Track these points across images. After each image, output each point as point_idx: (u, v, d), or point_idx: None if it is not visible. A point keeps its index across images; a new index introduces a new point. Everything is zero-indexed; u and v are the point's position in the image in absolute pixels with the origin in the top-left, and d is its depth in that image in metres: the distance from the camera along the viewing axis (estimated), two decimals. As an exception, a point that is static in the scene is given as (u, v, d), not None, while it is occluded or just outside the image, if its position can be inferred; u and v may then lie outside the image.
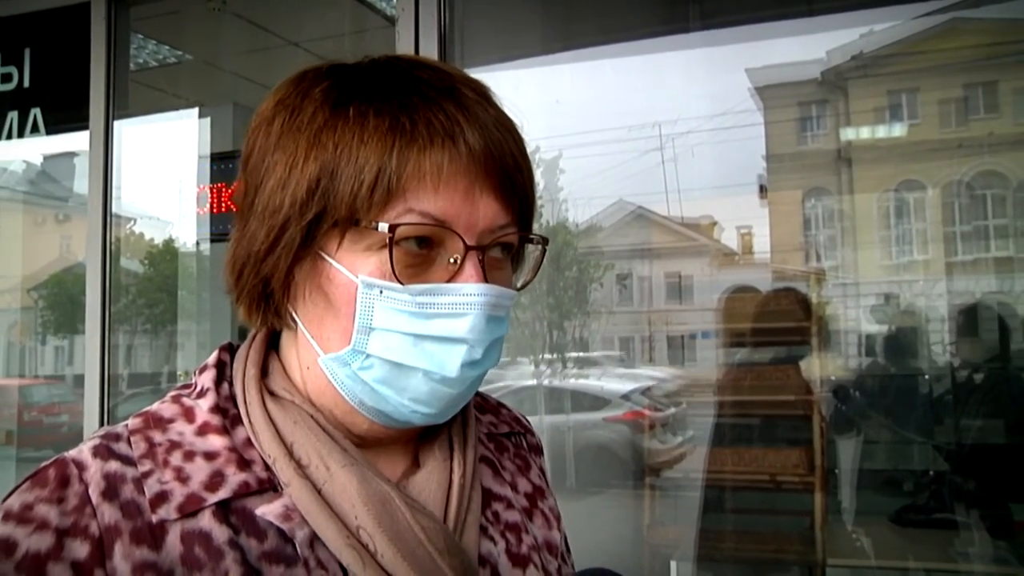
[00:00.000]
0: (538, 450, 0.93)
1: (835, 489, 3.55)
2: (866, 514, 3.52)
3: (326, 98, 0.69)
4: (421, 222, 0.66)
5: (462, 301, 0.67)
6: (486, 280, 0.68)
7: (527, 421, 0.96)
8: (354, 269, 0.68)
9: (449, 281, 0.68)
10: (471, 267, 0.68)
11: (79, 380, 3.02)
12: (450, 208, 0.67)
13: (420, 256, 0.68)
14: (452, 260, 0.68)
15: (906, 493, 3.59)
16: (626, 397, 6.79)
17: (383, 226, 0.66)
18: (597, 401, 6.81)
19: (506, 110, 0.74)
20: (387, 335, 0.68)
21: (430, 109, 0.67)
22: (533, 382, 6.61)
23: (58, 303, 5.57)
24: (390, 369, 0.69)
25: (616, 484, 6.08)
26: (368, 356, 0.69)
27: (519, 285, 0.78)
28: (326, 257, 0.69)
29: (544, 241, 0.76)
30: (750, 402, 3.29)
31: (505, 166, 0.69)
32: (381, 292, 0.67)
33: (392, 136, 0.66)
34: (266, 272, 0.71)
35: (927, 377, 4.66)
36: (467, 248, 0.68)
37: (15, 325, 4.86)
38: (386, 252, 0.66)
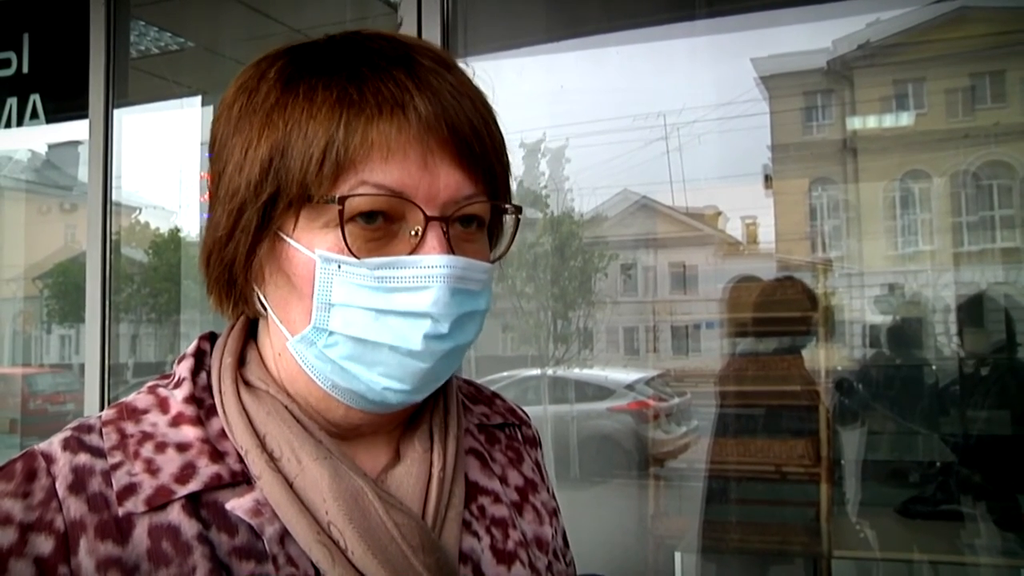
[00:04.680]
0: (534, 442, 0.90)
1: (840, 480, 3.53)
2: (871, 505, 3.50)
3: (279, 77, 0.68)
4: (374, 193, 0.64)
5: (423, 274, 0.65)
6: (452, 252, 0.66)
7: (524, 413, 0.93)
8: (312, 246, 0.66)
9: (411, 254, 0.65)
10: (433, 238, 0.65)
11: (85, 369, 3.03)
12: (406, 179, 0.64)
13: (380, 230, 0.65)
14: (413, 232, 0.66)
15: (912, 484, 3.57)
16: (630, 387, 6.77)
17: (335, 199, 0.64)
18: (601, 391, 6.79)
19: (475, 81, 0.71)
20: (348, 311, 0.66)
21: (379, 79, 0.65)
22: (536, 371, 6.60)
23: (63, 292, 5.57)
24: (355, 345, 0.67)
25: (620, 474, 6.07)
26: (331, 333, 0.67)
27: (495, 257, 0.76)
28: (284, 237, 0.67)
29: (517, 210, 0.74)
30: (755, 392, 3.27)
31: (462, 133, 0.66)
32: (339, 267, 0.65)
33: (340, 108, 0.64)
34: (228, 258, 0.69)
35: (933, 368, 4.63)
36: (427, 219, 0.65)
37: (20, 314, 4.87)
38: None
